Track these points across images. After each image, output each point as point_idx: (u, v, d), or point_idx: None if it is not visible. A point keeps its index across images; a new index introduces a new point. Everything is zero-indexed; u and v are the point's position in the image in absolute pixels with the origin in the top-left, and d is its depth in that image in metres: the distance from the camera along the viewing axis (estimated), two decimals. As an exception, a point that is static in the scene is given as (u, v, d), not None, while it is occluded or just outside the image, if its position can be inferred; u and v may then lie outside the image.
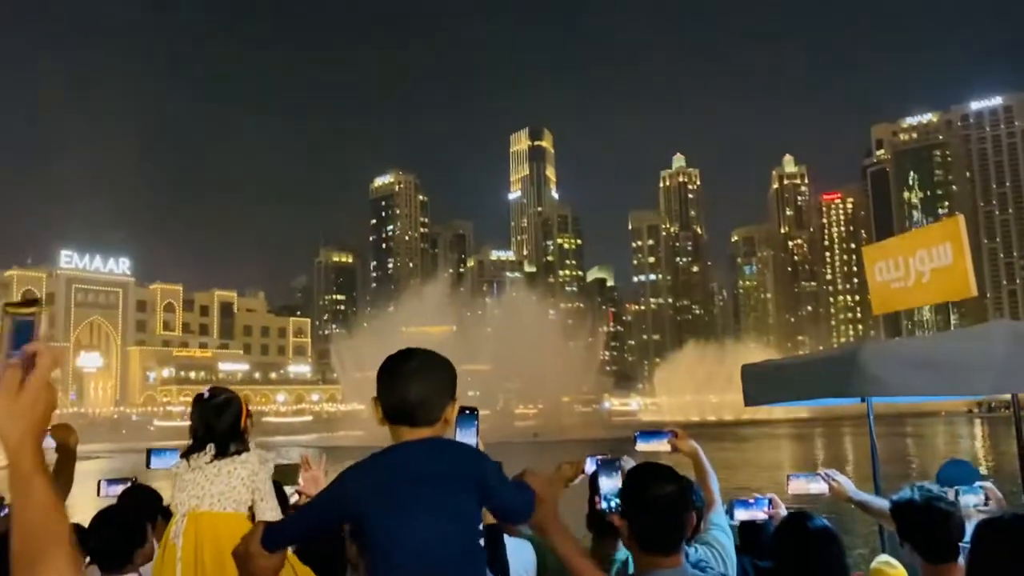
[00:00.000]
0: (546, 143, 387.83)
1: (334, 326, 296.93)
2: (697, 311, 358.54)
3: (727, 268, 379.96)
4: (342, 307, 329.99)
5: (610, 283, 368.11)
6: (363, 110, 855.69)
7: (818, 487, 4.81)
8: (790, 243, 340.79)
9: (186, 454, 3.96)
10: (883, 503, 4.45)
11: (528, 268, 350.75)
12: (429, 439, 2.62)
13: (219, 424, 3.94)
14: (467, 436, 2.91)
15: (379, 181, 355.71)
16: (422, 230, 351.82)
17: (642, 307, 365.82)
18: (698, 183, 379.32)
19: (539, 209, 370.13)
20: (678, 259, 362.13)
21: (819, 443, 70.04)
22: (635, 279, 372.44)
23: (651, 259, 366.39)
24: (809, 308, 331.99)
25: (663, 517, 2.87)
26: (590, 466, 3.86)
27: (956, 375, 4.72)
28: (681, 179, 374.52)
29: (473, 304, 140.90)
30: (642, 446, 4.18)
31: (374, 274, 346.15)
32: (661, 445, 4.11)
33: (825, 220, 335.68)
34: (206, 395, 4.03)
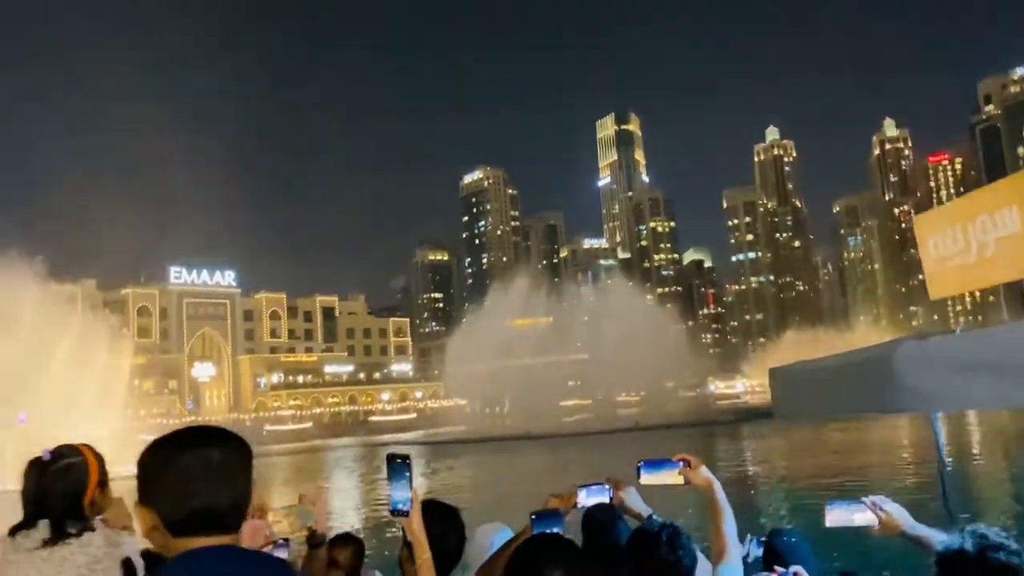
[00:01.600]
0: (633, 127, 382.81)
1: (433, 324, 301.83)
2: (801, 287, 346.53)
3: (830, 241, 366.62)
4: (440, 305, 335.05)
5: (708, 264, 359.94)
6: (451, 109, 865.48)
7: (863, 518, 3.73)
8: (896, 210, 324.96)
9: (13, 531, 3.10)
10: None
11: (622, 255, 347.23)
12: (233, 549, 2.04)
13: (55, 494, 3.12)
14: (401, 489, 2.93)
15: (468, 178, 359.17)
16: (513, 223, 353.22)
17: (742, 287, 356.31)
18: (794, 155, 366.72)
19: (629, 194, 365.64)
20: (778, 235, 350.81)
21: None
22: (733, 259, 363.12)
23: (749, 237, 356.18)
24: (920, 277, 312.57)
25: None
26: (583, 498, 3.60)
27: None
28: (776, 152, 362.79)
29: (568, 294, 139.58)
30: (647, 478, 3.53)
31: (469, 270, 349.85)
32: (671, 476, 3.48)
33: (933, 183, 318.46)
34: (46, 457, 3.20)
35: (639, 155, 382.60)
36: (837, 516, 3.81)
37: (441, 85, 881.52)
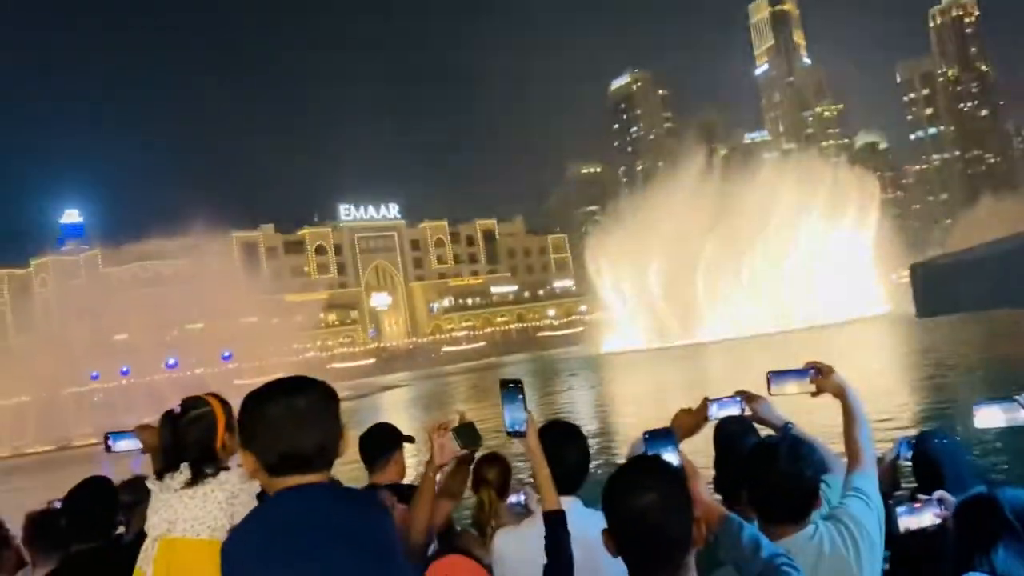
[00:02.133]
0: (788, 6, 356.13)
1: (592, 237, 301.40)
2: (992, 160, 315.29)
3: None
4: (597, 218, 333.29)
5: (883, 146, 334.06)
6: (592, 14, 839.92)
7: (1019, 417, 3.41)
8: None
9: (160, 474, 3.50)
10: None
11: (786, 145, 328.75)
12: (327, 486, 2.33)
13: (190, 443, 3.46)
14: (515, 411, 3.11)
15: (616, 84, 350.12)
16: (666, 126, 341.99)
17: (924, 166, 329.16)
18: (975, 14, 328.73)
19: (790, 79, 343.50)
20: (962, 105, 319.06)
21: None
22: (912, 136, 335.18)
23: (928, 111, 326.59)
24: None
25: (643, 536, 2.23)
26: (715, 411, 3.55)
27: None
28: (955, 14, 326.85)
29: (731, 192, 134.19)
30: (777, 389, 3.42)
31: (624, 179, 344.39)
32: (802, 385, 3.37)
33: None
34: (176, 410, 3.56)
35: (798, 36, 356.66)
36: (986, 416, 3.51)
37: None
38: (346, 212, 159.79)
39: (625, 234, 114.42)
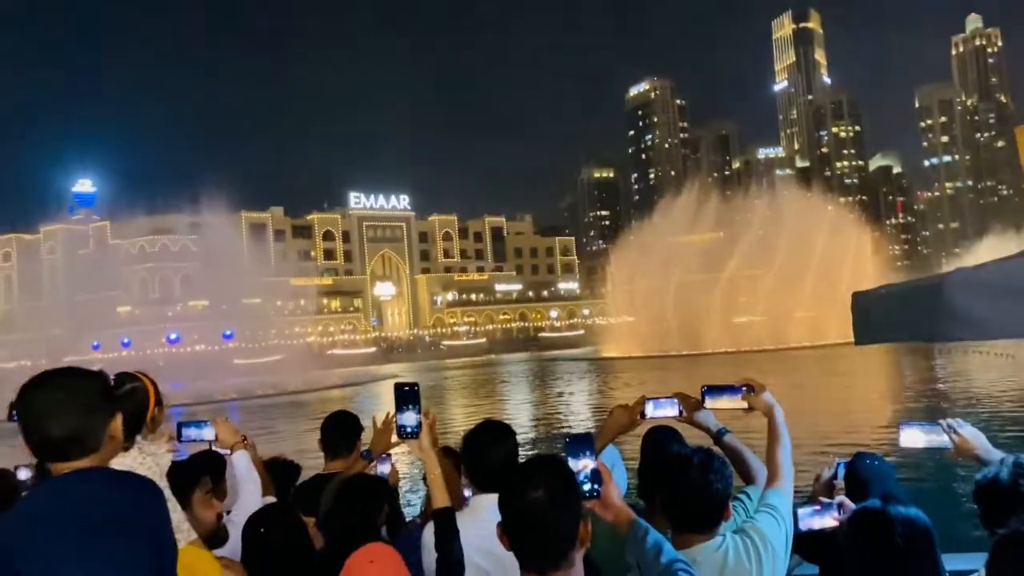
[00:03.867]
0: (813, 24, 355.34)
1: (600, 242, 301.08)
2: (1005, 192, 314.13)
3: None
4: (607, 222, 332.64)
5: (897, 170, 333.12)
6: (615, 18, 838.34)
7: (938, 440, 3.72)
8: None
9: None
10: None
11: (800, 163, 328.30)
12: (92, 471, 2.38)
13: (125, 414, 3.47)
14: (409, 413, 3.21)
15: (634, 90, 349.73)
16: (682, 135, 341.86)
17: (936, 193, 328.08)
18: (999, 44, 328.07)
19: (809, 97, 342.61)
20: (978, 135, 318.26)
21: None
22: (926, 163, 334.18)
23: (944, 138, 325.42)
24: None
25: (531, 532, 2.27)
26: (651, 410, 3.60)
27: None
28: (978, 43, 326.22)
29: (743, 207, 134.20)
30: (711, 403, 3.58)
31: (636, 186, 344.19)
32: (734, 402, 3.53)
33: None
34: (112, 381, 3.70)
35: (820, 55, 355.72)
36: (910, 436, 3.80)
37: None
38: (356, 200, 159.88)
39: (643, 246, 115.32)
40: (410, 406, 3.28)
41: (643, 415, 3.66)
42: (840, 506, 3.70)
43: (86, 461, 2.37)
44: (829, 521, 3.69)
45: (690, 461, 3.07)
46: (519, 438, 3.77)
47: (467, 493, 4.01)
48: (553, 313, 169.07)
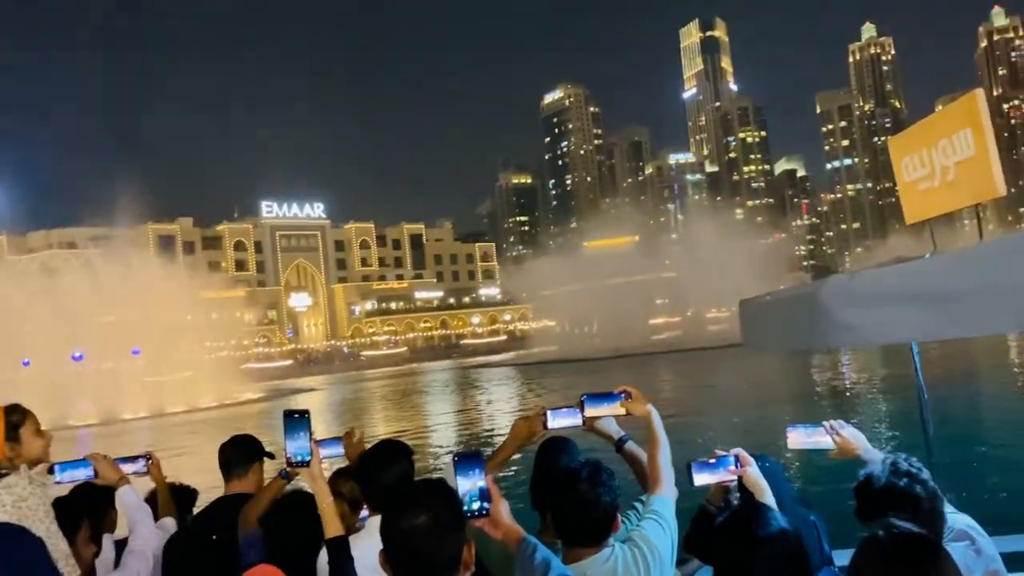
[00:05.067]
0: (719, 32, 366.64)
1: (520, 247, 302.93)
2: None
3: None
4: (526, 228, 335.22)
5: (801, 173, 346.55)
6: (529, 26, 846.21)
7: (822, 441, 3.87)
8: (1005, 106, 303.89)
9: None
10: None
11: (710, 168, 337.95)
12: None
13: None
14: (298, 441, 3.14)
15: (549, 98, 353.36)
16: (596, 142, 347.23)
17: (838, 195, 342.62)
18: (892, 53, 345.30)
19: (717, 104, 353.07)
20: (876, 139, 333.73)
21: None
22: (828, 166, 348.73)
23: (845, 142, 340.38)
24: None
25: (412, 558, 2.18)
26: (552, 421, 3.56)
27: (955, 310, 2.97)
28: (873, 51, 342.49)
29: (656, 212, 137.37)
30: (591, 411, 3.59)
31: (553, 192, 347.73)
32: (612, 408, 3.57)
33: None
34: None
35: (726, 63, 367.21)
36: (796, 438, 3.90)
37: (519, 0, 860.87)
38: (268, 209, 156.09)
39: (562, 251, 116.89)
40: (300, 434, 3.17)
41: (545, 426, 3.57)
42: (736, 458, 3.54)
43: None
44: (724, 475, 3.54)
45: (579, 475, 3.05)
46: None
47: (363, 513, 3.88)
48: (475, 320, 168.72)
